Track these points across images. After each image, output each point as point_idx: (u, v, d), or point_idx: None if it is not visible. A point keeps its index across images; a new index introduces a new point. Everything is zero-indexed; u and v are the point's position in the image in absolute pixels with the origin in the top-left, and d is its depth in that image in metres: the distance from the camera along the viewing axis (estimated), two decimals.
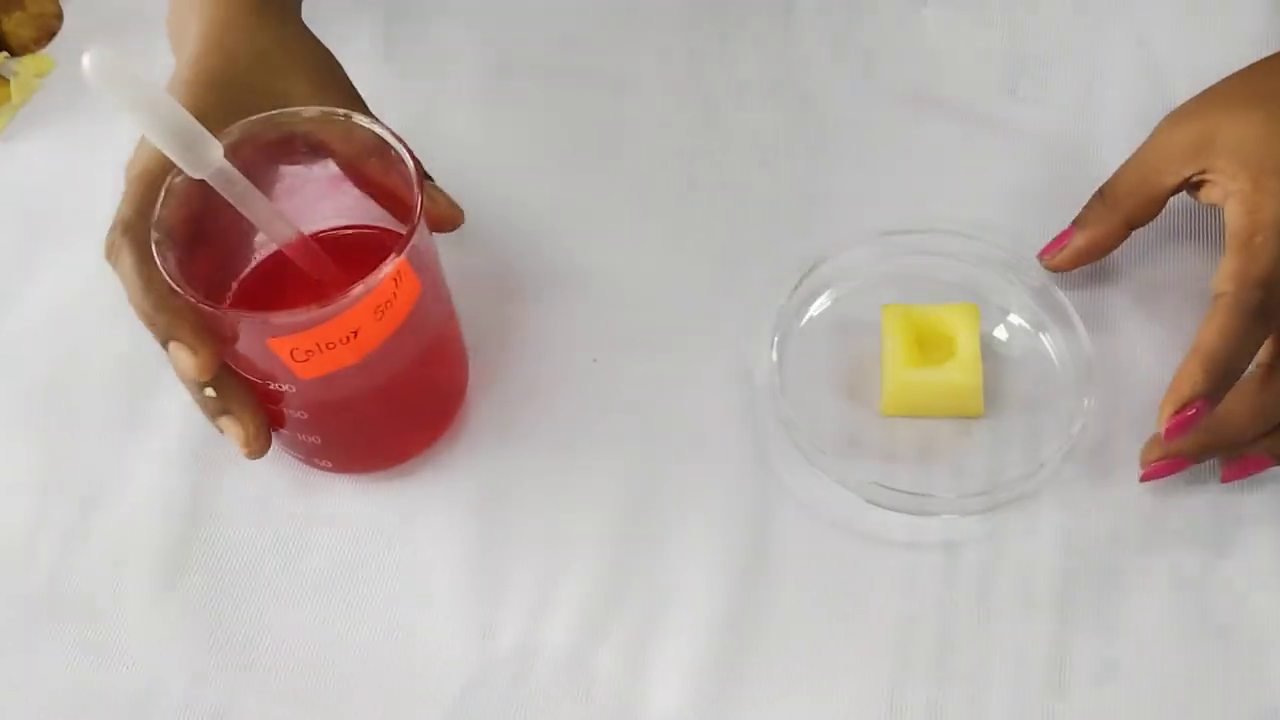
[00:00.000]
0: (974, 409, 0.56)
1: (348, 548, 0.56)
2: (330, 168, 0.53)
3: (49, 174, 0.66)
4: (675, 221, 0.63)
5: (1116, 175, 0.57)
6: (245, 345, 0.49)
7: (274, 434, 0.54)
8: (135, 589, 0.55)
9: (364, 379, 0.51)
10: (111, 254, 0.50)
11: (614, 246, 0.62)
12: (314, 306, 0.46)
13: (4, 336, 0.62)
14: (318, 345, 0.48)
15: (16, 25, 0.69)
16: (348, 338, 0.48)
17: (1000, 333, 0.58)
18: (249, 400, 0.52)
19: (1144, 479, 0.54)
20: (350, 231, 0.55)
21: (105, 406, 0.59)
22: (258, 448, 0.52)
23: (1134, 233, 0.57)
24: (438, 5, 0.70)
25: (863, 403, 0.57)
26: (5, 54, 0.70)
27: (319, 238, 0.54)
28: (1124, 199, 0.57)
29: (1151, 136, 0.57)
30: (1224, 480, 0.54)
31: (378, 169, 0.51)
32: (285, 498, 0.57)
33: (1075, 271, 0.58)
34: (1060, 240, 0.58)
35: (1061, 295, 0.57)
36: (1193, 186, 0.56)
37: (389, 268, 0.47)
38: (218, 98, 0.52)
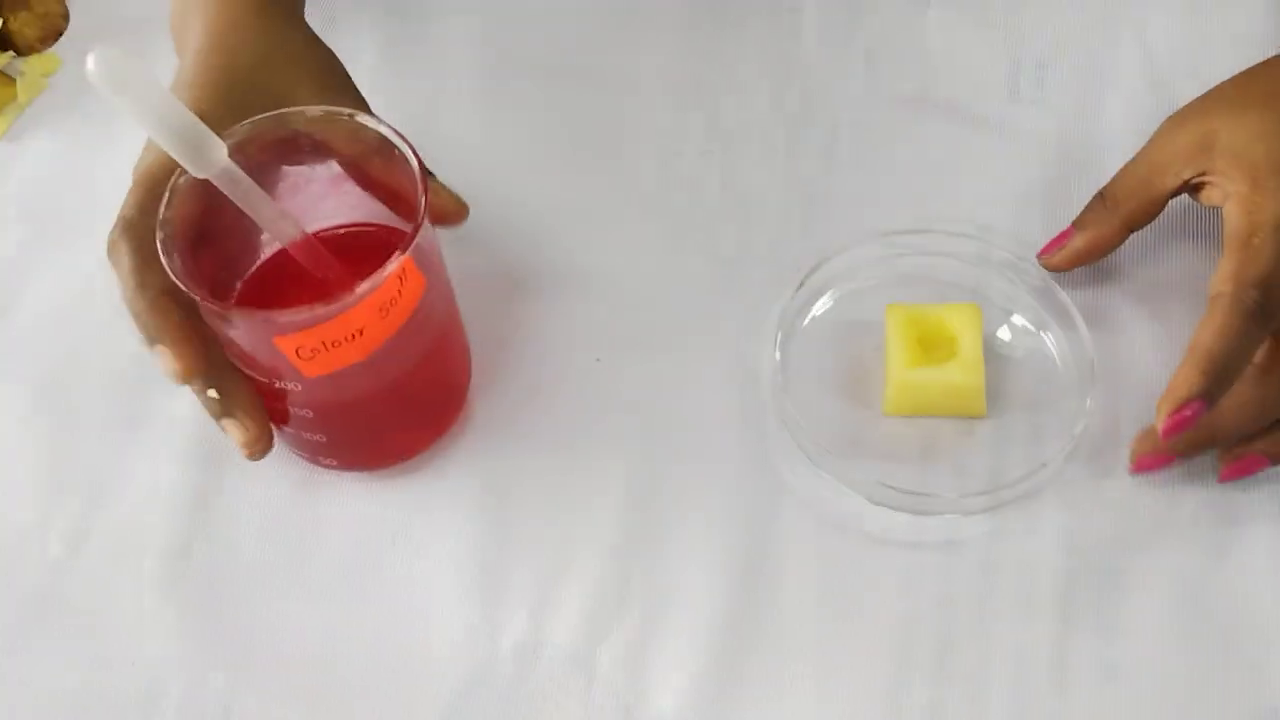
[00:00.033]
0: (976, 409, 0.56)
1: (349, 547, 0.56)
2: (333, 167, 0.53)
3: (55, 173, 0.66)
4: (677, 221, 0.63)
5: (1117, 178, 0.58)
6: (251, 343, 0.49)
7: (278, 433, 0.54)
8: (137, 588, 0.55)
9: (369, 377, 0.51)
10: (112, 252, 0.50)
11: (616, 246, 0.62)
12: (319, 304, 0.47)
13: (9, 334, 0.62)
14: (323, 343, 0.48)
15: (22, 25, 0.69)
16: (353, 335, 0.48)
17: (1003, 333, 0.58)
18: (252, 403, 0.52)
19: (1134, 471, 0.54)
20: (353, 230, 0.55)
21: (108, 405, 0.59)
22: (259, 450, 0.52)
23: (1138, 233, 0.57)
24: (438, 5, 0.70)
25: (865, 403, 0.57)
26: (11, 53, 0.70)
27: (322, 236, 0.54)
28: (1124, 201, 0.57)
29: (1152, 139, 0.57)
30: (1221, 480, 0.54)
31: (382, 168, 0.51)
32: (288, 497, 0.57)
33: (1078, 271, 0.58)
34: (1059, 240, 0.58)
35: (1064, 295, 0.58)
36: (1193, 189, 0.56)
37: (394, 265, 0.47)
38: (221, 98, 0.52)
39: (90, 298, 0.61)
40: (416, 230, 0.48)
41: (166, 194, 0.49)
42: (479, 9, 0.70)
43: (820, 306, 0.60)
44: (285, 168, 0.52)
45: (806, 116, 0.66)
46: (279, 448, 0.55)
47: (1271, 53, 0.58)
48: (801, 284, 0.59)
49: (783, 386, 0.56)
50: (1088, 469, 0.55)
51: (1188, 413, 0.51)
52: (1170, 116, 0.57)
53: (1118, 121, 0.64)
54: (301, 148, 0.52)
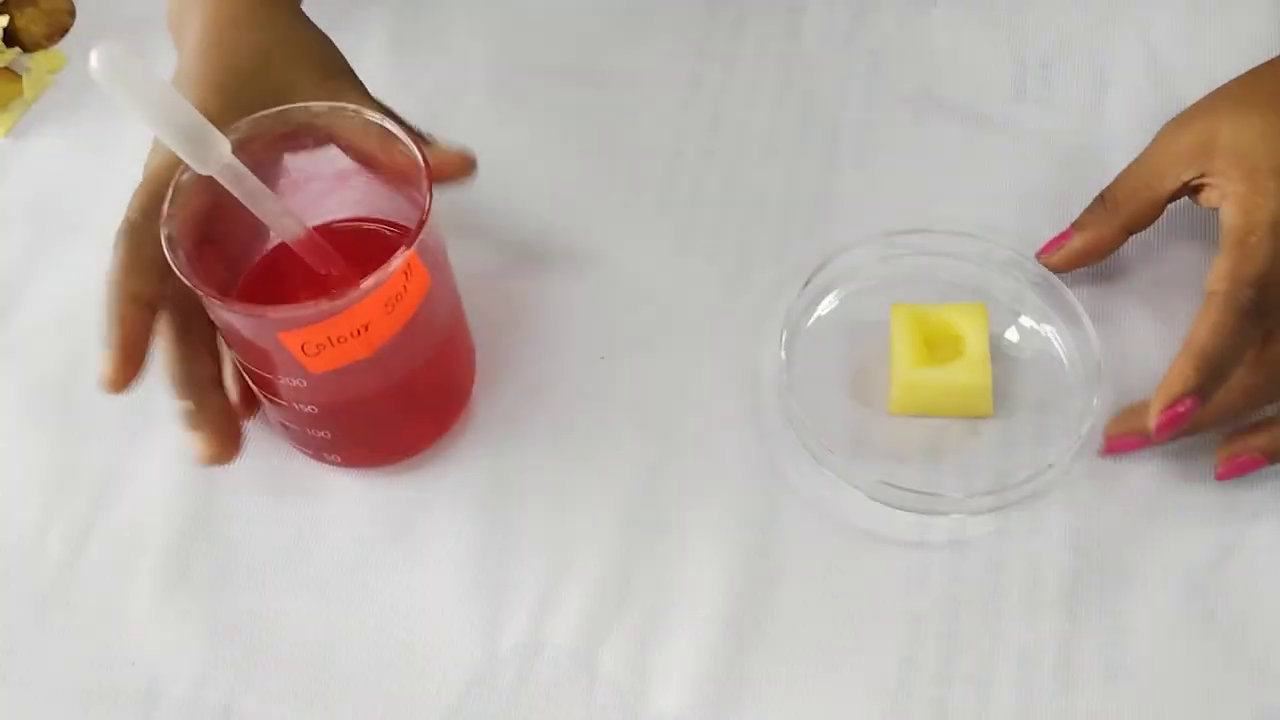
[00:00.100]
0: (983, 409, 0.56)
1: (351, 545, 0.55)
2: (337, 162, 0.53)
3: (61, 169, 0.66)
4: (682, 221, 0.63)
5: (1117, 179, 0.58)
6: (257, 340, 0.49)
7: (283, 430, 0.54)
8: (140, 587, 0.55)
9: (374, 373, 0.51)
10: (112, 251, 0.50)
11: (620, 245, 0.62)
12: (325, 300, 0.46)
13: (14, 332, 0.61)
14: (329, 339, 0.48)
15: (29, 21, 0.70)
16: (358, 331, 0.48)
17: (1009, 333, 0.58)
18: (223, 423, 0.52)
19: (1104, 453, 0.55)
20: (357, 225, 0.55)
21: (111, 405, 0.58)
22: (216, 464, 0.52)
23: (1146, 232, 0.57)
24: (442, 4, 0.70)
25: (870, 402, 0.57)
26: (18, 50, 0.70)
27: (325, 231, 0.53)
28: (1124, 203, 0.57)
29: (1154, 141, 0.57)
30: (1218, 478, 0.54)
31: (388, 161, 0.51)
32: (290, 495, 0.56)
33: (1084, 271, 0.58)
34: (1059, 240, 0.58)
35: (1070, 295, 0.57)
36: (1193, 191, 0.56)
37: (399, 260, 0.47)
38: (223, 93, 0.52)
39: (93, 296, 0.60)
40: (421, 225, 0.48)
41: (170, 191, 0.49)
42: (484, 8, 0.70)
43: (825, 306, 0.59)
44: (288, 164, 0.52)
45: (810, 116, 0.66)
46: (281, 445, 0.55)
47: (1276, 53, 0.58)
48: (807, 283, 0.58)
49: (788, 386, 0.56)
50: (1094, 469, 0.55)
51: (1181, 409, 0.51)
52: (1173, 119, 0.57)
53: (1122, 121, 0.64)
54: (305, 142, 0.52)
